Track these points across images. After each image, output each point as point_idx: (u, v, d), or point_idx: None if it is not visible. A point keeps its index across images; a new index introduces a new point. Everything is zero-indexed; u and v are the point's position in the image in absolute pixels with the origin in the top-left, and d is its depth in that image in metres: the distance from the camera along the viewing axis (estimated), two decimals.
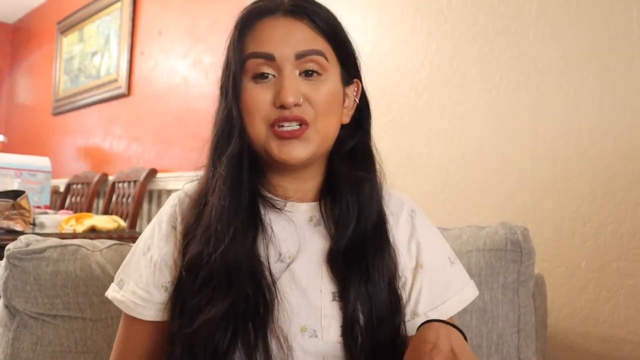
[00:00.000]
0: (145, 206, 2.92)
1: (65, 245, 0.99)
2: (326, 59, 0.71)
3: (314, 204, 0.76)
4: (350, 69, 0.75)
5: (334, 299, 0.70)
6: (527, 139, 1.45)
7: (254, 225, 0.71)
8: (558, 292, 1.35)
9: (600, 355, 1.29)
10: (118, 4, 3.41)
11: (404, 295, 0.75)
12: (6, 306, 0.95)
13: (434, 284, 0.76)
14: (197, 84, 2.75)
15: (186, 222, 0.74)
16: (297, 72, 0.70)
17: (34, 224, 2.02)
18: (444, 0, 1.66)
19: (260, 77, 0.70)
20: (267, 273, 0.69)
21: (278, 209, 0.73)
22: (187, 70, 2.82)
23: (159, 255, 0.74)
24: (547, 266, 1.37)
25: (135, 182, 2.85)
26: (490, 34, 1.54)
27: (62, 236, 1.41)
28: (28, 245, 0.97)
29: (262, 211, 0.73)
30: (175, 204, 0.77)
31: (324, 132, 0.71)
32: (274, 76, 0.70)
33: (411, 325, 0.72)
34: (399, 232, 0.77)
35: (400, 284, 0.74)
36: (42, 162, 2.91)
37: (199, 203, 0.73)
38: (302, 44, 0.70)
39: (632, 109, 1.26)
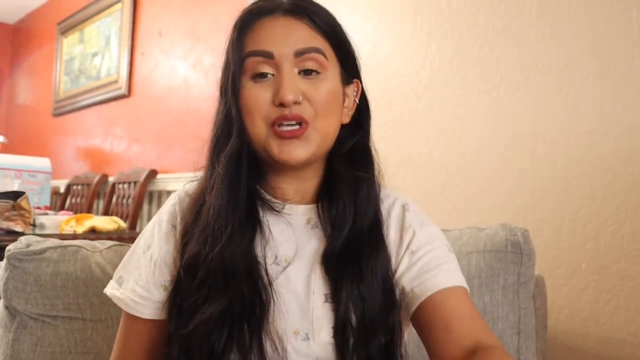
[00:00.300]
0: (145, 207, 2.92)
1: (66, 246, 0.99)
2: (325, 57, 0.71)
3: (312, 206, 0.75)
4: (349, 68, 0.75)
5: (326, 301, 0.70)
6: (527, 140, 1.44)
7: (251, 226, 0.71)
8: (558, 294, 1.35)
9: (600, 357, 1.29)
10: (118, 5, 3.41)
11: (398, 285, 0.72)
12: (6, 307, 0.95)
13: (427, 263, 0.71)
14: (198, 85, 2.75)
15: (185, 221, 0.74)
16: (296, 71, 0.70)
17: (34, 225, 2.02)
18: (444, 0, 1.67)
19: (260, 76, 0.70)
20: (263, 273, 0.69)
21: (276, 211, 0.73)
22: (187, 71, 2.83)
23: (158, 254, 0.74)
24: (547, 267, 1.36)
25: (135, 183, 2.85)
26: (490, 34, 1.54)
27: (62, 237, 1.41)
28: (28, 246, 0.97)
29: (261, 213, 0.73)
30: (176, 202, 0.77)
31: (323, 131, 0.71)
32: (273, 75, 0.69)
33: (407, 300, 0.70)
34: (391, 228, 0.75)
35: (395, 281, 0.72)
36: (42, 163, 2.91)
37: (198, 202, 0.73)
38: (302, 42, 0.69)
39: (633, 110, 1.26)
